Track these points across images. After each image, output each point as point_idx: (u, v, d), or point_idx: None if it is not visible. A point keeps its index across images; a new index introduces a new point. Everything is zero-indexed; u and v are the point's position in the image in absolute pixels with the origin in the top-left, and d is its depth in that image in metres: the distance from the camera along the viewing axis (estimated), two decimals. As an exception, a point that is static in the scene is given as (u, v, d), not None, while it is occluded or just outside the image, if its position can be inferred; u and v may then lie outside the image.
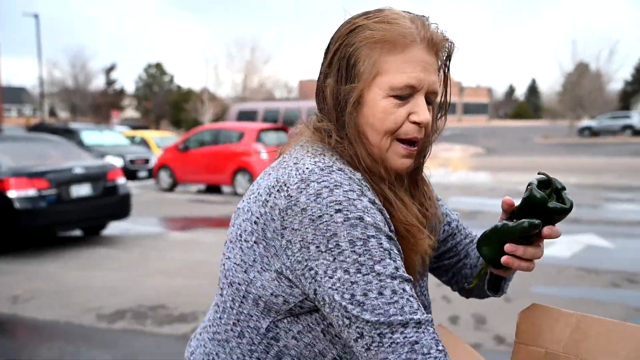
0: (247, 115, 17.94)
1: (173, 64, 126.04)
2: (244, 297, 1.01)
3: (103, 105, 51.01)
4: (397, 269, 0.91)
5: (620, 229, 8.45)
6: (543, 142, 35.44)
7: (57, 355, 4.14)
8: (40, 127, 17.99)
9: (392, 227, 0.98)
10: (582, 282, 5.82)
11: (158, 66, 61.67)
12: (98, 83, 54.85)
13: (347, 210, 0.91)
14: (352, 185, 0.95)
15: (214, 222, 9.96)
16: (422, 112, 1.01)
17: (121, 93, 59.38)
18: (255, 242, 0.98)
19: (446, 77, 1.08)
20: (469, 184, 14.65)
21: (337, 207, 0.91)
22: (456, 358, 1.05)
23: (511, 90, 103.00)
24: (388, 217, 0.98)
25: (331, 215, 0.90)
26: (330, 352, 0.99)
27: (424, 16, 1.05)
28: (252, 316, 1.01)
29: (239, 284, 1.02)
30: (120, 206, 8.31)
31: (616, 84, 51.16)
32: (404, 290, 0.90)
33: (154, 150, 19.37)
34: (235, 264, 1.02)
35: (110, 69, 58.48)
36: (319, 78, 1.07)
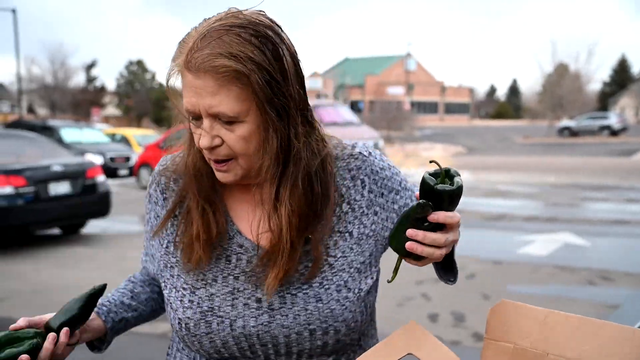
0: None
1: (155, 61, 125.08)
2: None
3: (83, 102, 50.43)
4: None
5: (596, 228, 8.56)
6: (523, 141, 35.77)
7: (33, 354, 4.09)
8: (18, 124, 17.73)
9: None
10: (558, 280, 5.90)
11: (139, 63, 61.15)
12: (78, 80, 54.26)
13: None
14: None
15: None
16: (202, 136, 1.01)
17: (102, 90, 58.79)
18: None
19: (260, 97, 0.98)
20: (450, 183, 14.68)
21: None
22: (427, 354, 1.06)
23: (492, 91, 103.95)
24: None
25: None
26: None
27: (200, 33, 0.98)
28: None
29: None
30: (99, 204, 8.23)
31: (595, 84, 51.91)
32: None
33: (135, 148, 19.21)
34: None
35: (90, 66, 57.90)
36: None
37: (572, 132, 39.43)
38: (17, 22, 31.49)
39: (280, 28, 1.03)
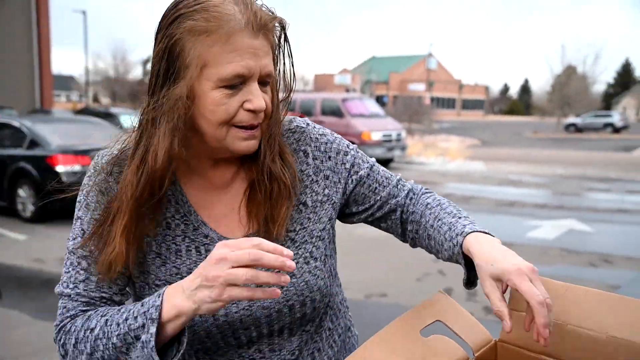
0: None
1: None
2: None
3: (140, 93, 51.07)
4: (77, 247, 0.95)
5: (598, 215, 8.37)
6: (533, 136, 35.06)
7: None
8: (85, 111, 18.06)
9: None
10: (563, 261, 5.79)
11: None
12: (136, 73, 54.92)
13: (82, 190, 0.99)
14: (95, 167, 0.99)
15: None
16: (255, 99, 0.88)
17: (156, 83, 59.33)
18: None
19: (284, 56, 0.94)
20: (465, 172, 14.53)
21: (81, 187, 0.99)
22: (455, 321, 1.04)
23: (506, 89, 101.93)
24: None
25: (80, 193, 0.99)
26: None
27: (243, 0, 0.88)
28: None
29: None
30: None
31: (600, 85, 50.54)
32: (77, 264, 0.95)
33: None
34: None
35: (146, 61, 58.39)
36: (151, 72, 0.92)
37: (578, 129, 38.53)
38: (86, 22, 32.03)
39: None
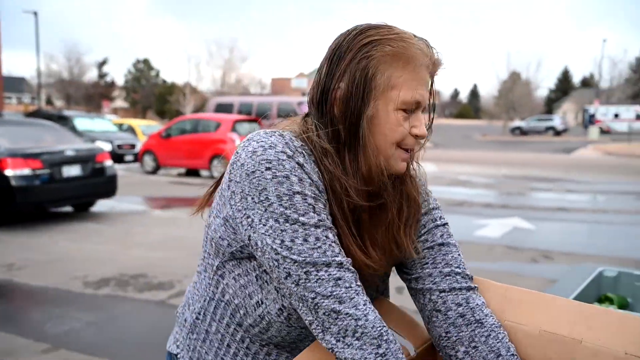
0: (224, 108, 17.68)
1: (159, 60, 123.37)
2: (205, 238, 1.05)
3: (95, 95, 49.72)
4: (320, 220, 0.92)
5: (540, 214, 8.66)
6: (481, 139, 36.04)
7: (46, 316, 4.03)
8: (37, 114, 17.38)
9: (322, 189, 0.95)
10: (508, 258, 5.95)
11: (145, 62, 60.25)
12: (91, 75, 53.46)
13: (275, 169, 0.91)
14: (284, 148, 0.93)
15: (192, 202, 9.81)
16: (422, 126, 0.99)
17: (112, 85, 57.92)
18: (218, 193, 1.02)
19: (433, 93, 1.05)
20: (416, 173, 14.73)
21: (267, 165, 0.92)
22: (396, 323, 1.04)
23: (456, 94, 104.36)
24: (320, 183, 0.95)
25: (262, 172, 0.91)
26: (257, 295, 0.98)
27: (423, 39, 1.01)
28: (209, 254, 1.04)
29: (206, 227, 1.05)
30: (107, 186, 8.11)
31: (542, 91, 52.34)
32: (326, 237, 0.91)
33: (140, 136, 18.97)
34: (210, 211, 1.05)
35: (102, 63, 56.95)
36: (323, 82, 0.98)
37: (523, 132, 39.84)
38: (38, 23, 30.87)
39: None
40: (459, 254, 1.07)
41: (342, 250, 0.92)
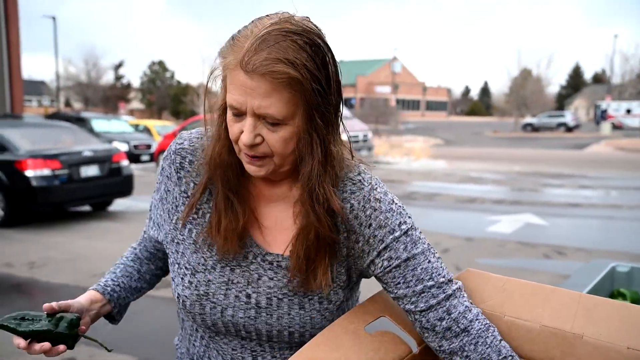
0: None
1: (174, 61, 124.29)
2: None
3: (112, 97, 50.07)
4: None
5: (553, 210, 8.57)
6: (492, 135, 35.70)
7: (66, 314, 4.08)
8: (56, 116, 17.57)
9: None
10: (520, 254, 5.90)
11: (161, 64, 60.60)
12: (108, 78, 53.79)
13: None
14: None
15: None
16: (245, 133, 0.90)
17: (128, 87, 58.30)
18: None
19: (311, 108, 0.90)
20: (429, 170, 14.71)
21: None
22: (398, 316, 1.04)
23: (467, 91, 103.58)
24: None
25: None
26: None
27: (268, 32, 0.87)
28: None
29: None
30: (124, 185, 8.19)
31: (553, 87, 51.67)
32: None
33: (155, 137, 19.08)
34: None
35: (118, 66, 57.38)
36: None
37: (534, 128, 39.39)
38: (56, 27, 31.23)
39: (325, 36, 0.93)
40: (428, 261, 0.96)
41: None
